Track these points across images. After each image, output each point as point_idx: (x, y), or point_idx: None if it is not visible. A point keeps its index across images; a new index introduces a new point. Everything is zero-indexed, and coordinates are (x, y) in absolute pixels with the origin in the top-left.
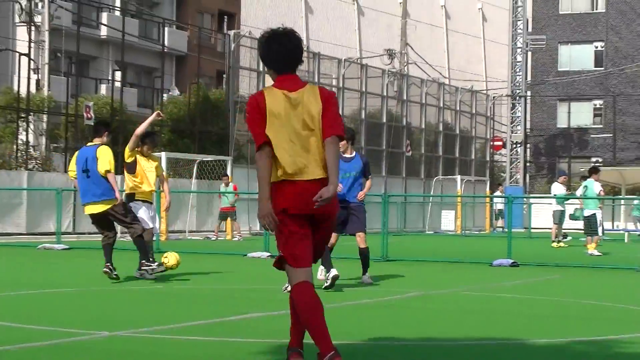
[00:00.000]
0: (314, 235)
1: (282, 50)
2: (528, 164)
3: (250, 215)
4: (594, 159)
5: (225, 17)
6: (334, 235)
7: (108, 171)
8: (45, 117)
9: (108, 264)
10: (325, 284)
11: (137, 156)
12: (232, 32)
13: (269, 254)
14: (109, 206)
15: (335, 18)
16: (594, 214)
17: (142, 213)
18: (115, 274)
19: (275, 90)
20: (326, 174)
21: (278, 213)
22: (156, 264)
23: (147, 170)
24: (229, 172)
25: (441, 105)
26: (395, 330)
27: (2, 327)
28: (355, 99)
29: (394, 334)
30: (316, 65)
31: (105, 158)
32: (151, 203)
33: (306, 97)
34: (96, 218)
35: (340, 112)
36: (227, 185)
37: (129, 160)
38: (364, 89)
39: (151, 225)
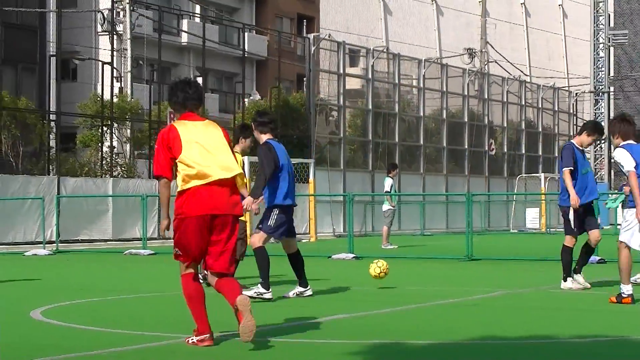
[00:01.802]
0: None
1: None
2: (612, 160)
3: (333, 217)
4: None
5: (304, 20)
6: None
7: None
8: (129, 124)
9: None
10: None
11: None
12: (311, 36)
13: (353, 255)
14: None
15: (414, 18)
16: None
17: None
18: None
19: None
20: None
21: None
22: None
23: None
24: (310, 175)
25: (523, 103)
26: (481, 329)
27: (92, 332)
28: (436, 99)
29: (481, 333)
30: (396, 66)
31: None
32: None
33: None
34: None
35: (421, 113)
36: None
37: None
38: (444, 89)
39: None
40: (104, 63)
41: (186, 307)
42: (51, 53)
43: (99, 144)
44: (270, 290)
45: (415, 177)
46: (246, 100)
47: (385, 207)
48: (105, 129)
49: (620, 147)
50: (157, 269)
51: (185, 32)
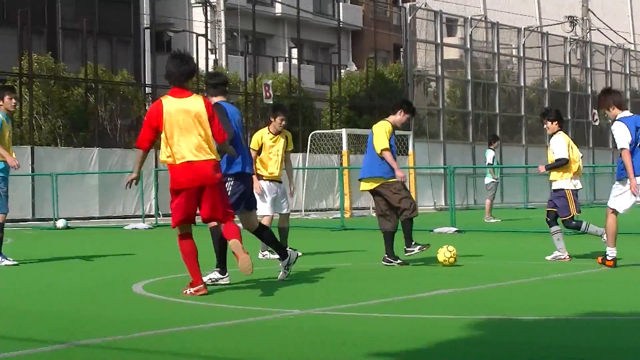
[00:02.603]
0: None
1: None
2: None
3: (433, 190)
4: None
5: None
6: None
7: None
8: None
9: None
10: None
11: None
12: (407, 5)
13: (455, 229)
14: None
15: None
16: None
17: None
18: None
19: None
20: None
21: None
22: None
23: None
24: (410, 147)
25: (627, 72)
26: (590, 305)
27: (194, 306)
28: (536, 68)
29: (590, 308)
30: (495, 35)
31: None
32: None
33: None
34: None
35: (521, 83)
36: None
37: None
38: (545, 58)
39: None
40: (198, 35)
41: (294, 282)
42: (145, 25)
43: None
44: (227, 274)
45: (518, 149)
46: (342, 71)
47: (488, 179)
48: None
49: (618, 120)
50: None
51: (279, 2)
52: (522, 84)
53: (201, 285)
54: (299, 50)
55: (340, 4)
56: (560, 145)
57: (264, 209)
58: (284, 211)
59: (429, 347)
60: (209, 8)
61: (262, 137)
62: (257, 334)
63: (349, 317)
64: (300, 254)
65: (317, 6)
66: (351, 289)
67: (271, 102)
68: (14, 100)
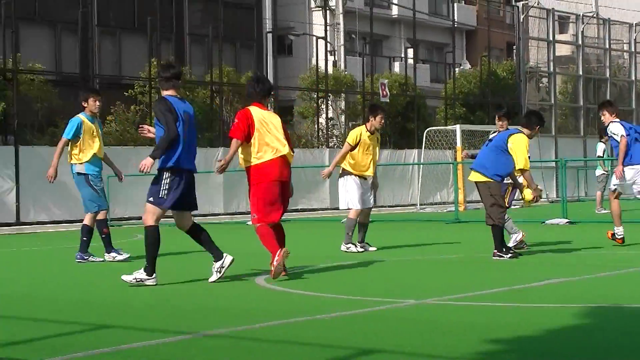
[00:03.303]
0: None
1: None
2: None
3: (545, 183)
4: None
5: None
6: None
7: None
8: (343, 97)
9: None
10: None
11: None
12: (520, 4)
13: (567, 220)
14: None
15: None
16: None
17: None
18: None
19: None
20: None
21: None
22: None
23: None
24: None
25: None
26: None
27: (316, 297)
28: None
29: None
30: (606, 31)
31: None
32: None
33: None
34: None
35: (632, 77)
36: None
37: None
38: None
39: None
40: (317, 38)
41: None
42: (267, 30)
43: (315, 116)
44: (154, 276)
45: None
46: (456, 69)
47: (598, 172)
48: (321, 101)
49: (614, 121)
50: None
51: (395, 4)
52: (633, 78)
53: (277, 251)
54: (415, 50)
55: (455, 4)
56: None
57: (354, 203)
58: (369, 205)
59: (542, 335)
60: (328, 12)
61: (360, 134)
62: (374, 323)
63: (463, 307)
64: (374, 248)
65: (432, 7)
66: (465, 280)
67: (387, 101)
68: (97, 102)
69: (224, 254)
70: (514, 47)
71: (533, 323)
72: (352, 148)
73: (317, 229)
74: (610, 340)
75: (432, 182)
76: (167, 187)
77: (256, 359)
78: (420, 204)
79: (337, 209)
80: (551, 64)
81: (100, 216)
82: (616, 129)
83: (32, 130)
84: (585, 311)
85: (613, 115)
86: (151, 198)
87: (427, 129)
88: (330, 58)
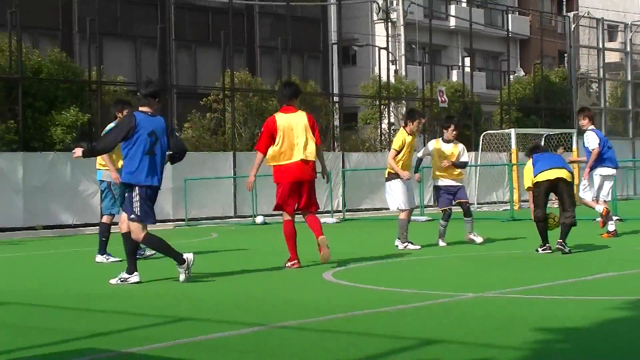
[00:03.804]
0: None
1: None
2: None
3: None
4: None
5: (564, 0)
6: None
7: None
8: (404, 103)
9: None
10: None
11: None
12: (571, 14)
13: (617, 217)
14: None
15: None
16: None
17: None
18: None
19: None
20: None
21: None
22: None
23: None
24: (574, 144)
25: None
26: None
27: (380, 291)
28: None
29: None
30: None
31: None
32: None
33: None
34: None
35: None
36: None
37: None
38: None
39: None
40: (380, 48)
41: (466, 268)
42: (333, 41)
43: (378, 122)
44: (135, 274)
45: None
46: (511, 76)
47: None
48: (383, 107)
49: (590, 130)
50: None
51: (453, 16)
52: None
53: (295, 261)
54: (472, 59)
55: (509, 15)
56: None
57: (402, 204)
58: (414, 205)
59: (595, 326)
60: (390, 23)
61: (404, 138)
62: (436, 315)
63: (519, 300)
64: (419, 247)
65: (488, 18)
66: (520, 274)
67: (445, 106)
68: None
69: (185, 256)
70: (566, 54)
71: (585, 314)
72: (398, 152)
73: (381, 228)
74: None
75: (488, 183)
76: (140, 204)
77: (325, 350)
78: (478, 203)
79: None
80: (601, 70)
81: (106, 220)
82: (592, 140)
83: None
84: (634, 302)
85: (590, 122)
86: (131, 215)
87: (484, 133)
88: (392, 67)
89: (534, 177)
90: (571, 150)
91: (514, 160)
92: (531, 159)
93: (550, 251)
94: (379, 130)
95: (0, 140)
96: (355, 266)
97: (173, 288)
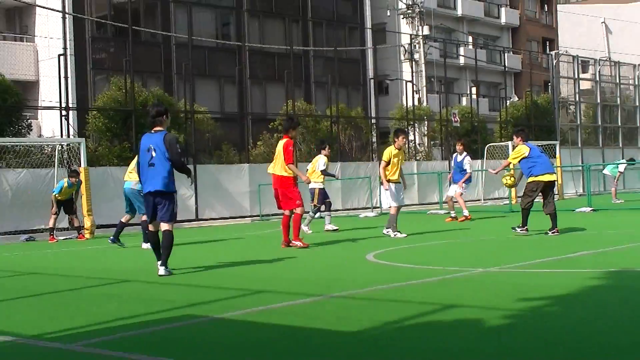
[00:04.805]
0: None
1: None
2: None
3: (575, 182)
4: None
5: (547, 42)
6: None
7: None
8: (425, 123)
9: None
10: None
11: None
12: (553, 52)
13: (591, 208)
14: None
15: (628, 32)
16: None
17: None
18: None
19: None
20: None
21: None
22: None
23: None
24: (557, 152)
25: None
26: None
27: (411, 268)
28: None
29: None
30: (617, 70)
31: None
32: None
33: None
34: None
35: (637, 103)
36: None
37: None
38: None
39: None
40: (406, 81)
41: (473, 249)
42: (370, 77)
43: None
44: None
45: (637, 150)
46: (508, 101)
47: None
48: (409, 127)
49: (524, 144)
50: (453, 223)
51: (462, 56)
52: (638, 104)
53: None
54: (477, 88)
55: (505, 54)
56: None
57: (392, 202)
58: (403, 204)
59: (581, 293)
60: (413, 62)
61: (391, 152)
62: (453, 286)
63: (519, 273)
64: (405, 235)
65: (489, 56)
66: (518, 253)
67: (458, 125)
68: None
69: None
70: (549, 84)
71: (571, 283)
72: (387, 164)
73: (410, 219)
74: (629, 291)
75: (492, 184)
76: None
77: (369, 313)
78: (483, 199)
79: (423, 203)
80: (577, 95)
81: (127, 218)
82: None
83: (204, 153)
84: (612, 274)
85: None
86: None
87: (487, 145)
88: (416, 96)
89: (536, 176)
90: (555, 157)
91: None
92: (524, 144)
93: (527, 232)
94: (406, 145)
95: (118, 157)
96: (392, 249)
97: (247, 269)
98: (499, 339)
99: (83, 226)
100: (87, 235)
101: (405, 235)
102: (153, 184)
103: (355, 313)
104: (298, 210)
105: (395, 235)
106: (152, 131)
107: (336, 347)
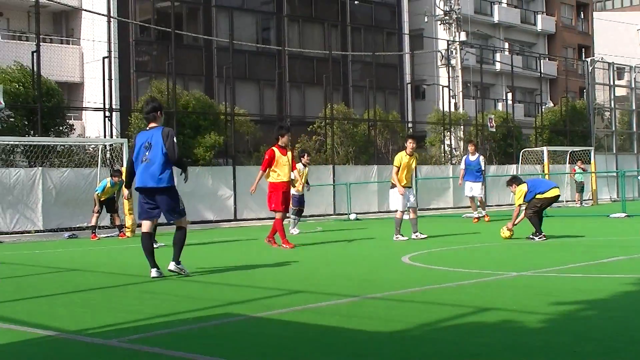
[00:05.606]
0: None
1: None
2: None
3: (609, 188)
4: None
5: (583, 48)
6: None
7: None
8: (462, 128)
9: None
10: None
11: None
12: (589, 59)
13: (625, 214)
14: None
15: None
16: None
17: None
18: None
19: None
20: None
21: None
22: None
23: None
24: (592, 158)
25: None
26: None
27: (445, 271)
28: None
29: None
30: None
31: None
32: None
33: None
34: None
35: None
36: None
37: None
38: None
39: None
40: (443, 87)
41: (506, 253)
42: (407, 81)
43: (442, 143)
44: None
45: None
46: (543, 107)
47: None
48: (445, 132)
49: (518, 185)
50: (484, 226)
51: (498, 62)
52: None
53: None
54: (513, 94)
55: (541, 60)
56: None
57: (398, 206)
58: (413, 207)
59: (618, 297)
60: (450, 68)
61: (402, 158)
62: (487, 289)
63: (552, 277)
64: (425, 236)
65: (525, 63)
66: (551, 257)
67: (494, 130)
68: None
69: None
70: (585, 90)
71: (604, 287)
72: (399, 169)
73: (445, 223)
74: None
75: None
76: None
77: (403, 315)
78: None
79: (457, 207)
80: (612, 102)
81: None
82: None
83: (244, 154)
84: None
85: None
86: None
87: (523, 150)
88: (452, 101)
89: (543, 193)
90: (589, 163)
91: (546, 171)
92: (526, 184)
93: (545, 238)
94: (442, 149)
95: None
96: (427, 252)
97: (286, 269)
98: (534, 340)
99: (124, 225)
100: (128, 234)
101: (406, 238)
102: (149, 180)
103: (391, 314)
104: (277, 215)
105: (397, 238)
106: (147, 128)
107: (373, 347)
